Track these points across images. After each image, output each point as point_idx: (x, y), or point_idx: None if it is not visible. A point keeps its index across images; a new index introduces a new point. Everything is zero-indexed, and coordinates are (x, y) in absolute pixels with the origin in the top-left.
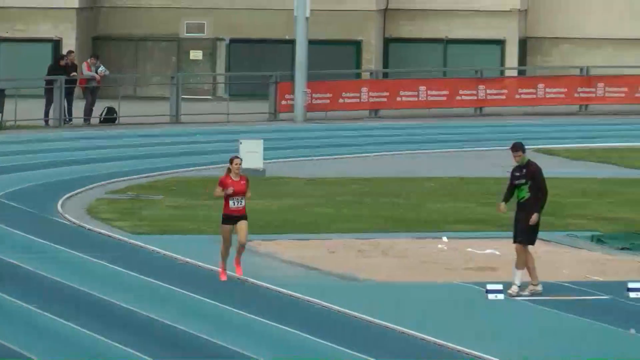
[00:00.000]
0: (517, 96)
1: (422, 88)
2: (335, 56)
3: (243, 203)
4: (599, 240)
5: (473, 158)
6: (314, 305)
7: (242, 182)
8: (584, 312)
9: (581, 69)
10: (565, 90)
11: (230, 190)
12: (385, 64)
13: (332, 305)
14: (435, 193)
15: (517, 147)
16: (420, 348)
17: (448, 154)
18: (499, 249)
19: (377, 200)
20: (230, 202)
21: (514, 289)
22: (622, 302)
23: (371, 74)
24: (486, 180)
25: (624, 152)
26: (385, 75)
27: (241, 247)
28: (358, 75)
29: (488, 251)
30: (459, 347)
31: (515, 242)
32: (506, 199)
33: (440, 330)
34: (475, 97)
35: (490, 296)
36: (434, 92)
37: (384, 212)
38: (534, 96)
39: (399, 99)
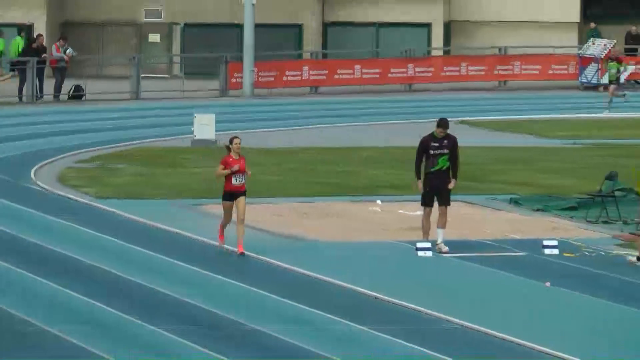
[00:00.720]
0: (443, 73)
1: (357, 67)
2: (279, 39)
3: (244, 180)
4: (516, 202)
5: (404, 129)
6: (263, 262)
7: (241, 160)
8: (504, 266)
9: (500, 49)
10: (486, 68)
11: (236, 167)
12: (324, 46)
13: (280, 263)
14: (370, 161)
15: (446, 124)
16: (360, 300)
17: (381, 126)
18: None
19: (319, 167)
20: (233, 179)
21: (441, 247)
22: (538, 258)
23: (311, 54)
24: (415, 149)
25: (538, 123)
26: (325, 55)
27: (241, 223)
28: (300, 56)
29: (417, 213)
30: (394, 300)
31: (441, 205)
32: (420, 176)
33: (377, 284)
34: (405, 75)
35: (420, 253)
36: (368, 71)
37: (325, 179)
38: (458, 73)
39: (336, 76)
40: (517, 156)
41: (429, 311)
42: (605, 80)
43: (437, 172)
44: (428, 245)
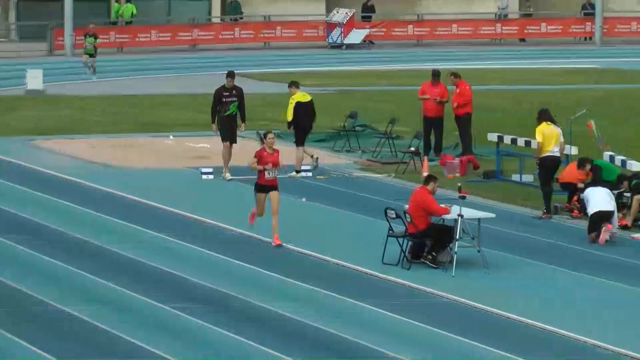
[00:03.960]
0: (221, 36)
1: (154, 31)
2: (94, 9)
3: (276, 173)
4: (279, 136)
5: (190, 80)
6: (82, 185)
7: (275, 154)
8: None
9: (264, 17)
10: (254, 32)
11: (269, 166)
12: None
13: (95, 185)
14: (166, 104)
15: (233, 75)
16: (161, 215)
17: (172, 78)
18: (209, 144)
19: (126, 110)
20: (265, 173)
21: (228, 175)
22: (296, 179)
23: (118, 22)
24: (200, 96)
25: (295, 74)
26: (129, 22)
27: (275, 215)
28: (110, 23)
29: (201, 145)
30: (184, 213)
31: (231, 143)
32: (214, 120)
33: (170, 201)
34: (190, 38)
35: (204, 177)
36: (161, 34)
37: (130, 119)
38: (232, 36)
39: (137, 39)
40: (278, 100)
41: (209, 220)
42: (348, 40)
43: (229, 115)
44: (210, 170)
